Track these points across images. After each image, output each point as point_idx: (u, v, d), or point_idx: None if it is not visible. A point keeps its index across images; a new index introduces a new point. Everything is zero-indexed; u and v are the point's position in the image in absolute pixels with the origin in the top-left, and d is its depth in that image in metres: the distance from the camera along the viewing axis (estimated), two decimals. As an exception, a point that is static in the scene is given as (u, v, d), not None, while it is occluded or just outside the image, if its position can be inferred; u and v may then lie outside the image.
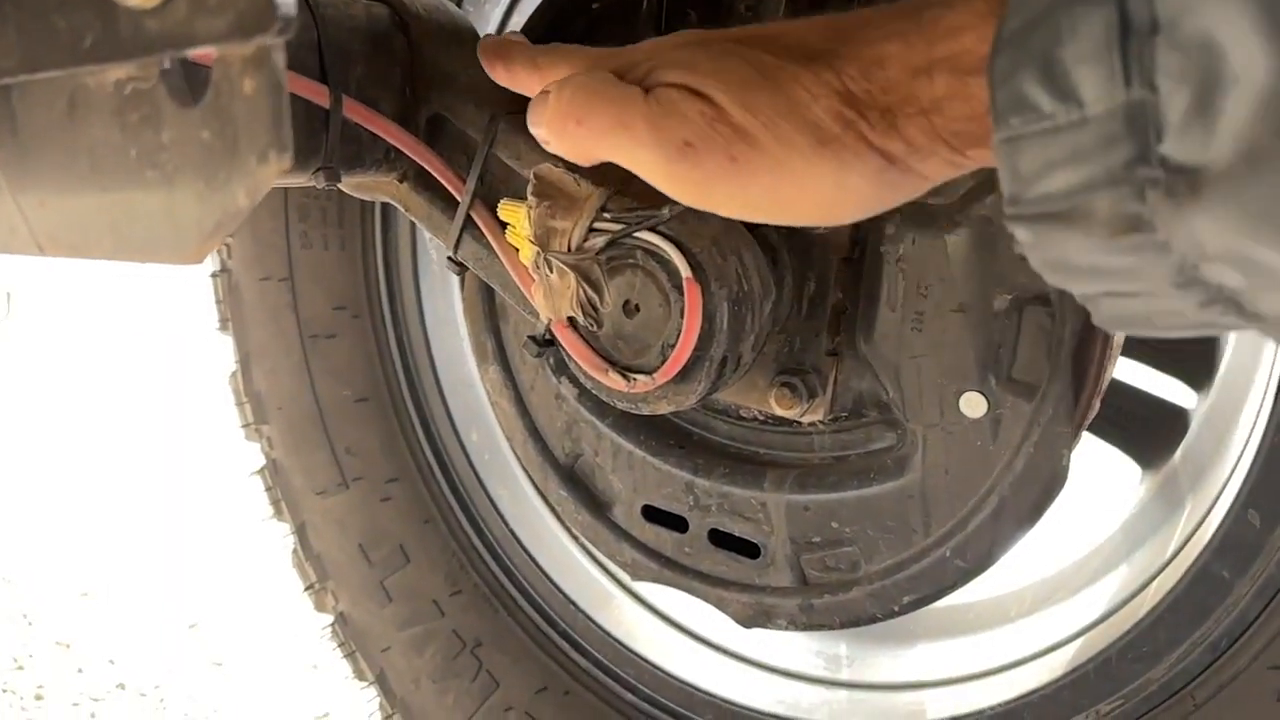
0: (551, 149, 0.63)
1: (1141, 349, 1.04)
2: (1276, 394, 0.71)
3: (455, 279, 1.16)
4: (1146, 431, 1.03)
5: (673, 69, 0.57)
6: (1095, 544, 1.02)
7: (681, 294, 0.66)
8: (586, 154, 0.61)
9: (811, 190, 0.53)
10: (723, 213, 0.58)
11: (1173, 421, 1.01)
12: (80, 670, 1.91)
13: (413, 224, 1.15)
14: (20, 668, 1.92)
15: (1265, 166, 0.35)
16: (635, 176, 0.71)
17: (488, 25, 1.05)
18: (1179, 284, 0.41)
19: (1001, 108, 0.41)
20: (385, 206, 1.12)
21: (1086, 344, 0.69)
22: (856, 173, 0.51)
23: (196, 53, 0.38)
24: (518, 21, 1.06)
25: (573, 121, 0.59)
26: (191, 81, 0.41)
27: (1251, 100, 0.34)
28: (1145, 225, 0.39)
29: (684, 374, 0.69)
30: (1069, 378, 0.68)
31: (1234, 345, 0.96)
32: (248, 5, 0.35)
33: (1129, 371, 1.06)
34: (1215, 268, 0.39)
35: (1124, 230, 0.40)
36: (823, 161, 0.51)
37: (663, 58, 0.58)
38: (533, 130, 0.64)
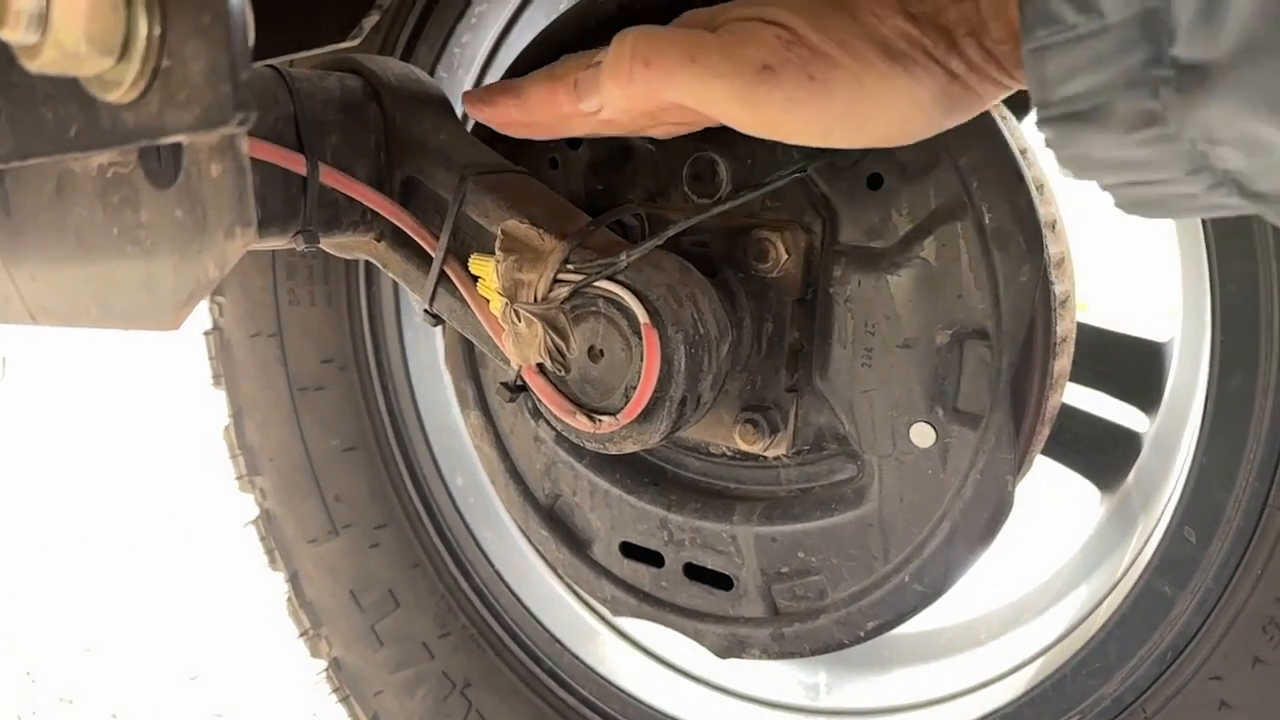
0: (611, 102, 0.63)
1: (1093, 376, 1.07)
2: (1204, 415, 0.75)
3: (437, 329, 1.20)
4: (1103, 455, 1.06)
5: (738, 8, 0.59)
6: (1059, 565, 1.05)
7: (641, 339, 0.70)
8: (653, 96, 0.61)
9: (886, 104, 0.56)
10: (801, 139, 0.60)
11: (1127, 445, 1.05)
12: (83, 726, 1.92)
13: (396, 278, 1.20)
14: (24, 726, 1.93)
15: (1263, 55, 0.40)
16: (596, 230, 0.75)
17: (460, 90, 1.10)
18: (1190, 171, 0.46)
19: (1030, 21, 0.46)
20: (368, 263, 1.16)
21: (1025, 374, 0.73)
22: (925, 86, 0.55)
23: (168, 141, 0.43)
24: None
25: (640, 63, 0.60)
26: (166, 166, 0.45)
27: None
28: (1159, 120, 0.44)
29: (646, 414, 0.72)
30: (1009, 407, 0.72)
31: (1177, 369, 1.00)
32: (212, 100, 0.39)
33: (1086, 398, 1.10)
34: (1222, 152, 0.44)
35: (1141, 125, 0.45)
36: (895, 76, 0.55)
37: (722, 6, 0.61)
38: (586, 103, 0.65)
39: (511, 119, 0.72)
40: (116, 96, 0.42)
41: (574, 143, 0.89)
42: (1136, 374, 1.05)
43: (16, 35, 0.39)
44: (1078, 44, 0.45)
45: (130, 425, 3.42)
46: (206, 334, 1.30)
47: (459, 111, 0.85)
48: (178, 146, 0.44)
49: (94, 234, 0.49)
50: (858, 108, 0.56)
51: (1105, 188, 0.52)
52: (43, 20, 0.39)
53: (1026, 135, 0.74)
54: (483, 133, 0.91)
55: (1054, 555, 1.08)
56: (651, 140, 0.85)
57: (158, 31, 0.40)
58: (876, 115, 0.57)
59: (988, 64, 0.54)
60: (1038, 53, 0.46)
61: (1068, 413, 1.08)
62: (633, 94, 0.62)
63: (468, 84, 1.10)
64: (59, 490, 2.96)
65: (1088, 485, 1.09)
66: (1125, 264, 3.37)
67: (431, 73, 1.07)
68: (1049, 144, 0.50)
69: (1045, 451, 0.85)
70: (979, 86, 0.56)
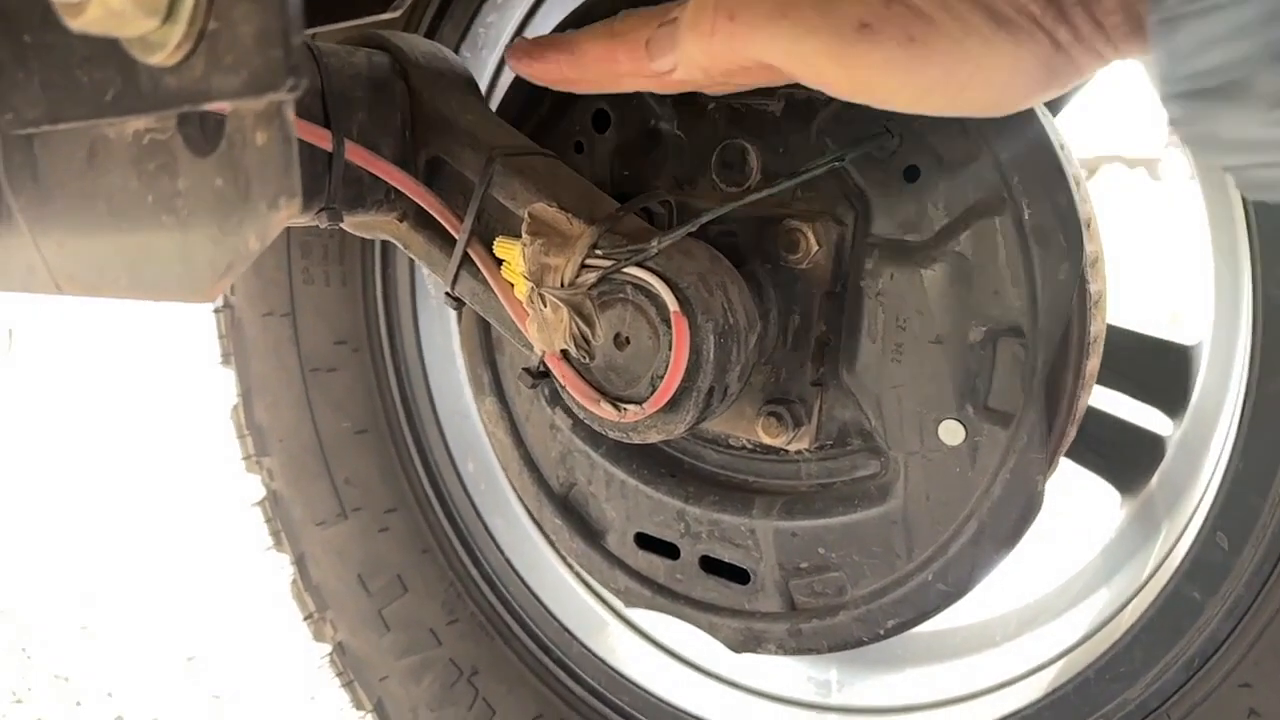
0: (689, 59, 0.59)
1: (1115, 378, 1.06)
2: (1240, 420, 0.74)
3: (453, 313, 1.19)
4: (1125, 458, 1.06)
5: None
6: (1077, 568, 1.04)
7: (670, 327, 0.69)
8: (737, 54, 0.58)
9: (988, 72, 0.53)
10: (894, 103, 0.56)
11: (1150, 448, 1.04)
12: (79, 703, 1.91)
13: (411, 260, 1.18)
14: (19, 701, 1.92)
15: None
16: (625, 215, 0.74)
17: (485, 70, 1.09)
18: None
19: None
20: (385, 243, 1.15)
21: (1058, 373, 0.72)
22: (1030, 53, 0.52)
23: (212, 107, 0.41)
24: (513, 66, 1.10)
25: (725, 18, 0.56)
26: (206, 132, 0.44)
27: None
28: None
29: (673, 404, 0.71)
30: (1042, 406, 0.71)
31: (1206, 373, 0.99)
32: (261, 64, 0.38)
33: (1108, 400, 1.09)
34: None
35: None
36: (1000, 42, 0.52)
37: None
38: (659, 61, 0.61)
39: (562, 76, 0.68)
40: (159, 59, 0.41)
41: (600, 127, 0.87)
42: (1162, 377, 1.04)
43: (60, -8, 0.38)
44: (1216, 13, 0.42)
45: (133, 402, 3.40)
46: (216, 312, 1.28)
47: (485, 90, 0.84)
48: (219, 113, 0.42)
49: (127, 202, 0.47)
50: (958, 72, 0.53)
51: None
52: (88, -23, 0.37)
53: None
54: (506, 115, 0.90)
55: (1071, 556, 1.07)
56: (680, 127, 0.84)
57: (206, -8, 0.39)
58: (977, 81, 0.53)
59: (1095, 35, 0.51)
60: (1169, 22, 0.43)
61: (1089, 414, 1.07)
62: (714, 51, 0.58)
63: (491, 65, 1.09)
64: (59, 466, 2.95)
65: (1106, 487, 1.08)
66: (1125, 271, 3.37)
67: (455, 52, 1.05)
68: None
69: (1065, 452, 0.83)
70: (1081, 58, 0.53)
